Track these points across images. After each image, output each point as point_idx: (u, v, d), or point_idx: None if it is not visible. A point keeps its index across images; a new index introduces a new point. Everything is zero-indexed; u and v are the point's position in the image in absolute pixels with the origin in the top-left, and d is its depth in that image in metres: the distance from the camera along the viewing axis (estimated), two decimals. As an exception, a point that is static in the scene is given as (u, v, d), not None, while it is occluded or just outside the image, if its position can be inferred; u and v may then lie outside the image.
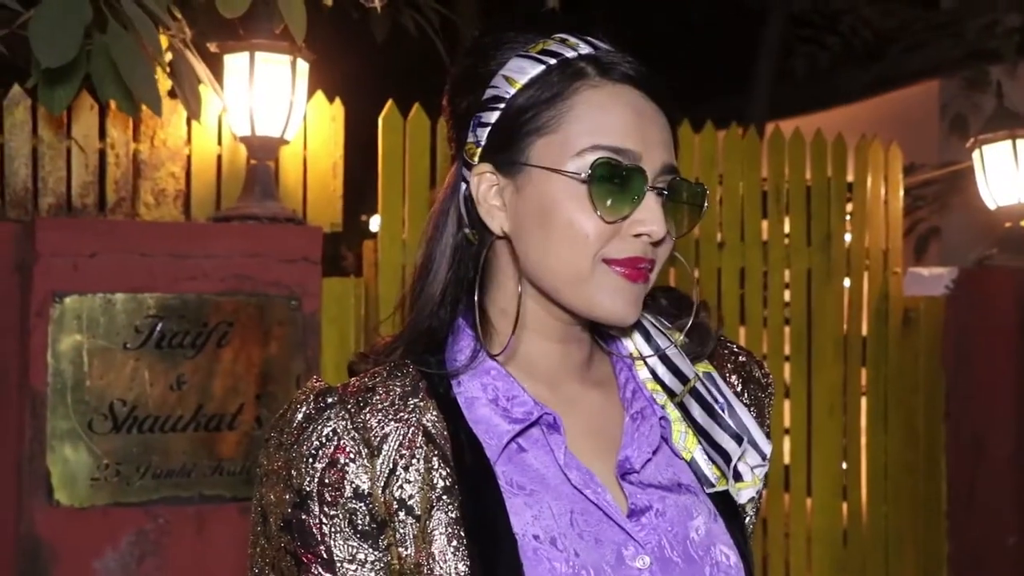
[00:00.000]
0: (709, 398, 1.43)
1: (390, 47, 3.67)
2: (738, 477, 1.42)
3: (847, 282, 3.72)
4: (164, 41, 2.62)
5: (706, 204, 1.38)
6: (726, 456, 1.41)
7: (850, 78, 6.81)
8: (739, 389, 1.50)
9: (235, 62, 2.85)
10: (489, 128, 1.34)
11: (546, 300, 1.34)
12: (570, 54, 1.32)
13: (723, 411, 1.42)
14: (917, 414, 3.78)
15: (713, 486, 1.40)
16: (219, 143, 2.99)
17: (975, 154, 3.84)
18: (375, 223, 3.12)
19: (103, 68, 2.49)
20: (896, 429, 3.76)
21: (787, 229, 3.65)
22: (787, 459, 3.67)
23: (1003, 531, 3.66)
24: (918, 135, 5.16)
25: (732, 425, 1.43)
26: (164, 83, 2.74)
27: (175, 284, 2.76)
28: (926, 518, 3.77)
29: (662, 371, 1.44)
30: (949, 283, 3.77)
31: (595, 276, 1.28)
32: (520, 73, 1.33)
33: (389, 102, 3.10)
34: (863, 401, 3.76)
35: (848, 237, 3.71)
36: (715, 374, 1.46)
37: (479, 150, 1.34)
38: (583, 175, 1.26)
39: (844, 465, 3.74)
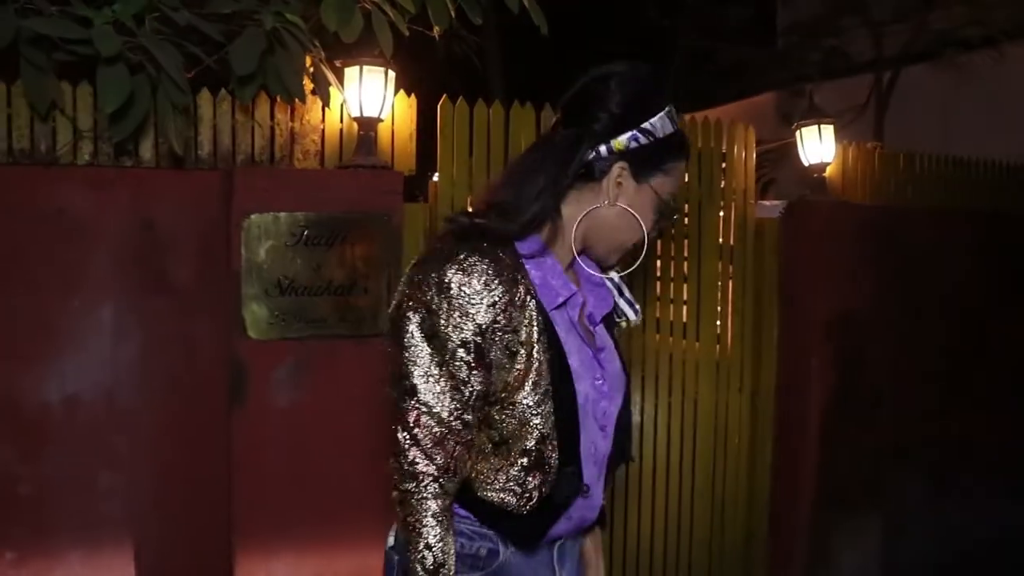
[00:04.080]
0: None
1: (446, 62, 3.62)
2: (626, 319, 1.55)
3: (722, 212, 3.73)
4: (308, 59, 2.66)
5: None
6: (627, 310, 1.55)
7: (724, 90, 6.81)
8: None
9: (351, 72, 2.87)
10: (637, 144, 1.37)
11: (583, 240, 1.43)
12: (675, 128, 1.41)
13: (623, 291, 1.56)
14: (762, 289, 3.81)
15: (618, 324, 1.55)
16: (341, 121, 2.99)
17: (797, 133, 3.85)
18: (436, 174, 3.13)
19: (273, 76, 2.51)
20: (748, 298, 3.79)
21: (687, 177, 3.62)
22: (684, 319, 3.69)
23: (808, 354, 3.72)
24: (763, 123, 5.19)
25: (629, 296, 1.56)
26: (308, 85, 2.76)
27: (315, 206, 2.78)
28: (767, 349, 3.81)
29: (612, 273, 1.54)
30: (782, 210, 3.81)
31: (625, 247, 1.45)
32: (663, 127, 1.38)
33: (444, 96, 3.08)
34: (731, 283, 3.76)
35: (723, 183, 3.71)
36: (615, 275, 1.54)
37: (624, 149, 1.37)
38: (670, 205, 1.43)
39: (718, 322, 3.76)
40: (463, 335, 1.27)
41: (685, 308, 3.70)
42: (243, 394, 2.73)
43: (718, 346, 3.77)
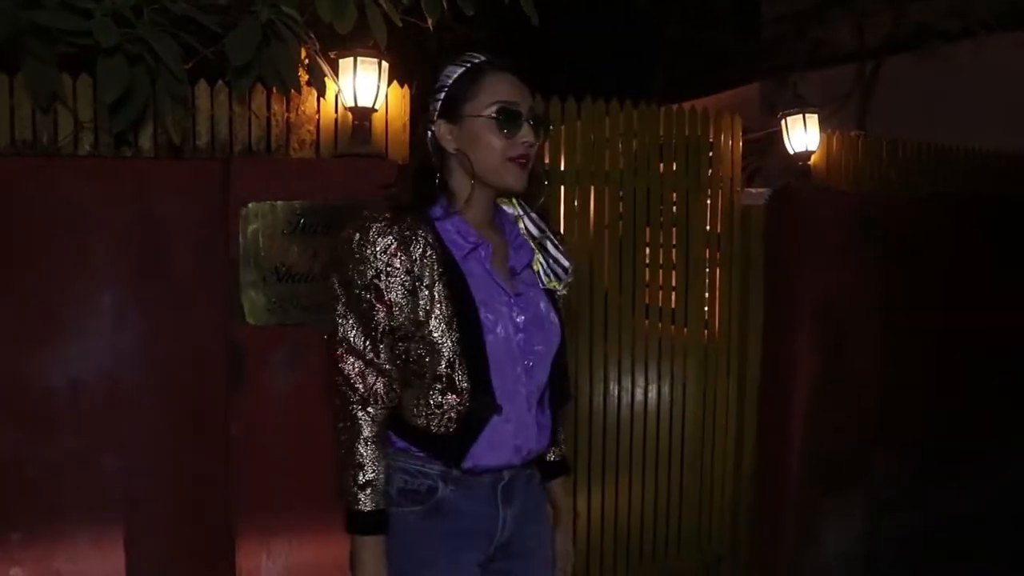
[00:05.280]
0: (548, 243, 1.75)
1: (439, 53, 3.63)
2: (560, 279, 1.74)
3: (709, 199, 3.76)
4: (303, 51, 2.68)
5: (551, 124, 1.88)
6: (556, 270, 1.74)
7: (710, 79, 6.84)
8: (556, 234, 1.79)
9: (345, 63, 2.89)
10: (440, 102, 1.62)
11: (478, 183, 1.63)
12: (476, 60, 1.63)
13: (553, 247, 1.75)
14: (749, 275, 3.84)
15: (544, 286, 1.72)
16: (336, 111, 3.01)
17: (782, 123, 3.89)
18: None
19: (269, 67, 2.53)
20: (735, 284, 3.83)
21: (674, 165, 3.68)
22: (673, 305, 3.74)
23: (794, 338, 3.74)
24: (749, 112, 5.21)
25: (558, 255, 1.75)
26: (303, 76, 2.80)
27: (311, 195, 2.81)
28: (753, 333, 3.84)
29: (530, 226, 1.75)
30: (767, 197, 3.85)
31: (503, 167, 1.60)
32: (453, 73, 1.63)
33: (436, 87, 3.10)
34: (718, 269, 3.81)
35: (709, 171, 3.74)
36: (551, 246, 1.76)
37: (436, 115, 1.63)
38: (493, 115, 1.58)
39: (706, 307, 3.80)
40: (365, 280, 1.54)
41: (673, 294, 3.74)
42: (242, 378, 2.76)
43: (706, 331, 3.81)
